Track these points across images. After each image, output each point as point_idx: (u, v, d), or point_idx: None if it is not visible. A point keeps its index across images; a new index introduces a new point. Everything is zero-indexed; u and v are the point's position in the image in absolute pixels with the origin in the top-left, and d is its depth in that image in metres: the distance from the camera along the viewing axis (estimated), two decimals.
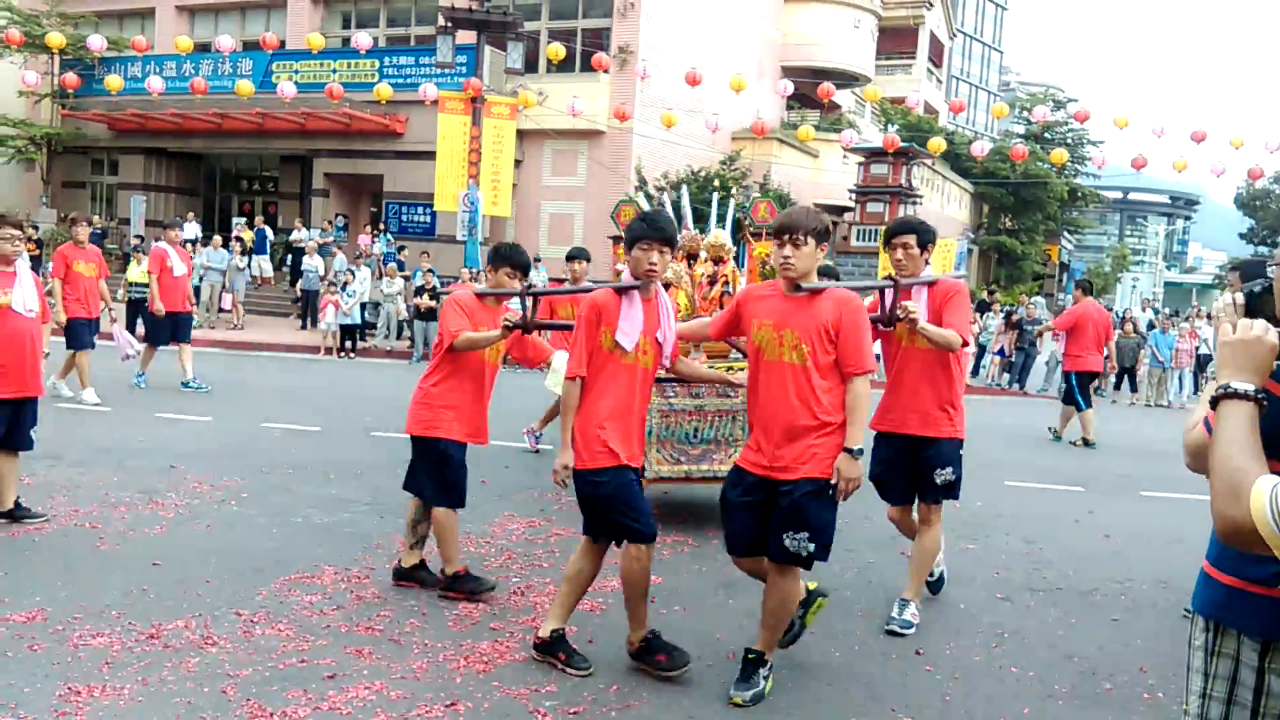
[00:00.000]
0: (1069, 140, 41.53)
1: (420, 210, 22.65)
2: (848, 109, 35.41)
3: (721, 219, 6.95)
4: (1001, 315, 18.77)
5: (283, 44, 23.56)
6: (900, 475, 4.91)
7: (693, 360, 4.68)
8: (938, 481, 4.76)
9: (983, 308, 19.94)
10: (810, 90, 24.12)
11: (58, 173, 27.00)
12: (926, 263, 4.78)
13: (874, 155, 26.41)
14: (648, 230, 4.01)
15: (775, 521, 3.83)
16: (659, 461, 6.14)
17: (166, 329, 11.24)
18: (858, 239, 26.70)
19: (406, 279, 18.28)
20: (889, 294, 4.60)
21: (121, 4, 27.80)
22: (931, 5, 43.50)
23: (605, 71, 20.77)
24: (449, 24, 18.54)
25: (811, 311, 3.83)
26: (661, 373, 4.93)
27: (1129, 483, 9.19)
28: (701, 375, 4.81)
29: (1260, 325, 1.88)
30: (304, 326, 19.80)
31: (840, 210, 29.64)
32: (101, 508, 6.32)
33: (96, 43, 20.99)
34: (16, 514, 5.89)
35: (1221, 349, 1.89)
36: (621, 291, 4.04)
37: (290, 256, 22.80)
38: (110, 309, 10.67)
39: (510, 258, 4.99)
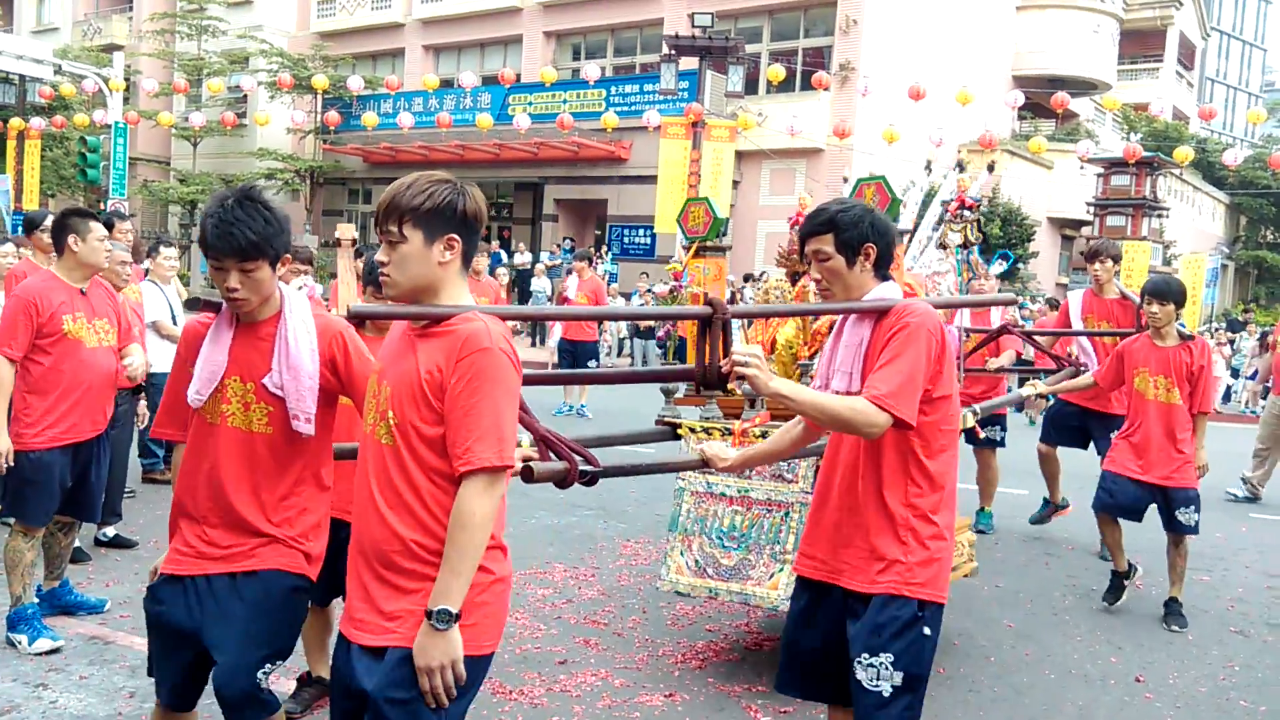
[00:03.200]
0: None
1: (641, 232, 23.44)
2: (1086, 117, 33.66)
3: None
4: (1257, 337, 17.41)
5: (518, 78, 24.99)
6: (819, 656, 2.76)
7: None
8: (875, 689, 2.58)
9: (1235, 327, 18.55)
10: (1044, 99, 23.17)
11: (319, 202, 29.72)
12: (882, 277, 2.75)
13: (1114, 166, 25.08)
14: (208, 235, 2.51)
15: None
16: (679, 570, 4.34)
17: (568, 358, 12.17)
18: None
19: (626, 297, 18.98)
20: (713, 332, 2.77)
21: (375, 45, 30.33)
22: (1181, 4, 40.63)
23: (826, 90, 20.79)
24: (673, 51, 19.17)
25: (416, 358, 2.19)
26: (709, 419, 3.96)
27: None
28: None
29: None
30: (534, 344, 20.91)
31: (1078, 224, 28.25)
32: None
33: (355, 83, 23.03)
34: None
35: None
36: (217, 312, 2.63)
37: (518, 278, 24.13)
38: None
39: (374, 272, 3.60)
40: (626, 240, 24.12)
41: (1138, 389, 5.33)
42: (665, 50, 19.61)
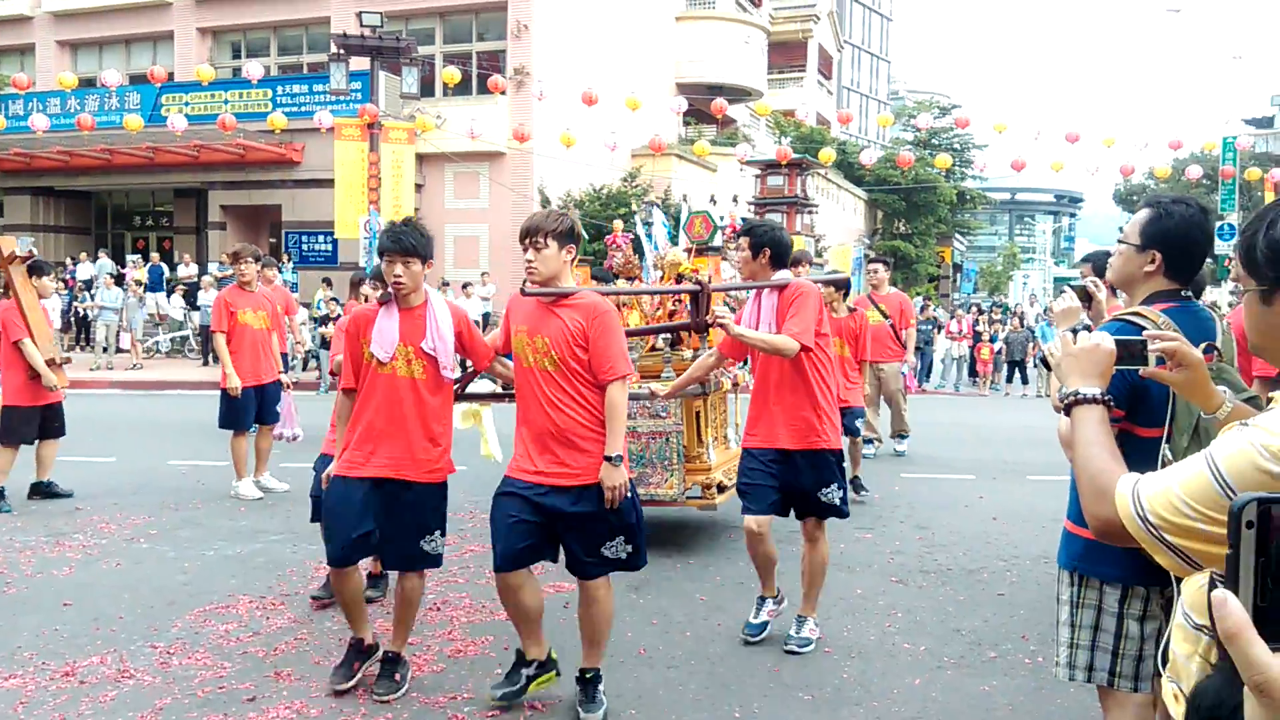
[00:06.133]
0: (954, 145, 43.01)
1: (321, 239, 22.44)
2: (743, 123, 36.16)
3: (648, 236, 7.19)
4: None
5: (171, 76, 23.14)
6: (770, 487, 4.62)
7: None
8: (824, 500, 4.61)
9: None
10: (705, 106, 24.64)
11: None
12: (777, 265, 4.69)
13: (769, 167, 27.05)
14: (385, 242, 4.06)
15: (583, 537, 3.79)
16: None
17: None
18: None
19: (307, 306, 18.10)
20: (702, 299, 4.65)
21: None
22: (819, 19, 44.68)
23: (502, 94, 20.91)
24: (341, 51, 18.47)
25: (561, 317, 3.77)
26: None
27: (1017, 469, 9.68)
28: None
29: (1097, 335, 2.02)
30: (205, 363, 19.43)
31: None
32: (6, 553, 6.24)
33: None
34: None
35: (1066, 360, 1.99)
36: (383, 303, 4.15)
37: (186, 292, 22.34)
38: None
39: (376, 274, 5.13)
40: (306, 248, 22.97)
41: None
42: (334, 49, 18.86)
